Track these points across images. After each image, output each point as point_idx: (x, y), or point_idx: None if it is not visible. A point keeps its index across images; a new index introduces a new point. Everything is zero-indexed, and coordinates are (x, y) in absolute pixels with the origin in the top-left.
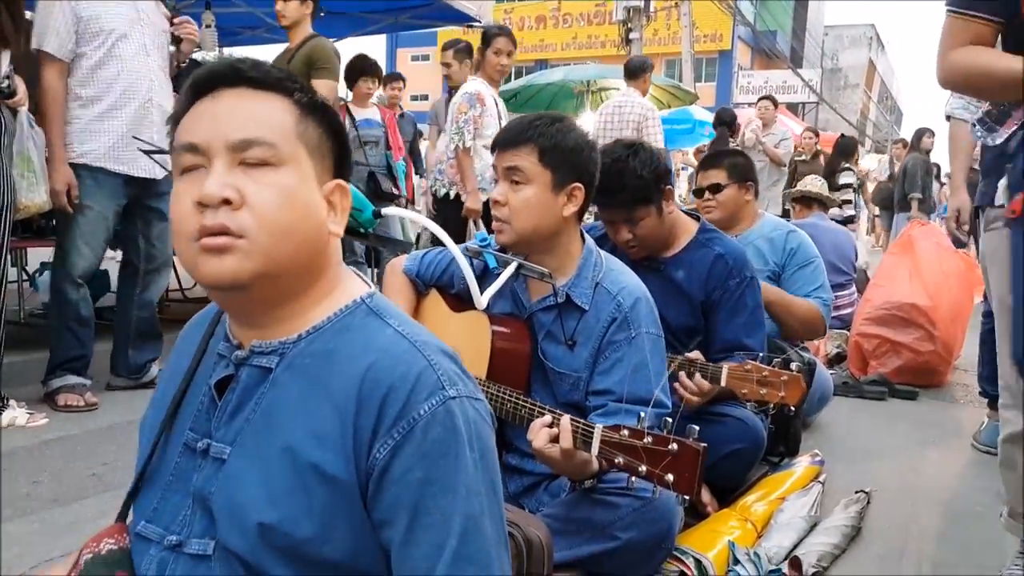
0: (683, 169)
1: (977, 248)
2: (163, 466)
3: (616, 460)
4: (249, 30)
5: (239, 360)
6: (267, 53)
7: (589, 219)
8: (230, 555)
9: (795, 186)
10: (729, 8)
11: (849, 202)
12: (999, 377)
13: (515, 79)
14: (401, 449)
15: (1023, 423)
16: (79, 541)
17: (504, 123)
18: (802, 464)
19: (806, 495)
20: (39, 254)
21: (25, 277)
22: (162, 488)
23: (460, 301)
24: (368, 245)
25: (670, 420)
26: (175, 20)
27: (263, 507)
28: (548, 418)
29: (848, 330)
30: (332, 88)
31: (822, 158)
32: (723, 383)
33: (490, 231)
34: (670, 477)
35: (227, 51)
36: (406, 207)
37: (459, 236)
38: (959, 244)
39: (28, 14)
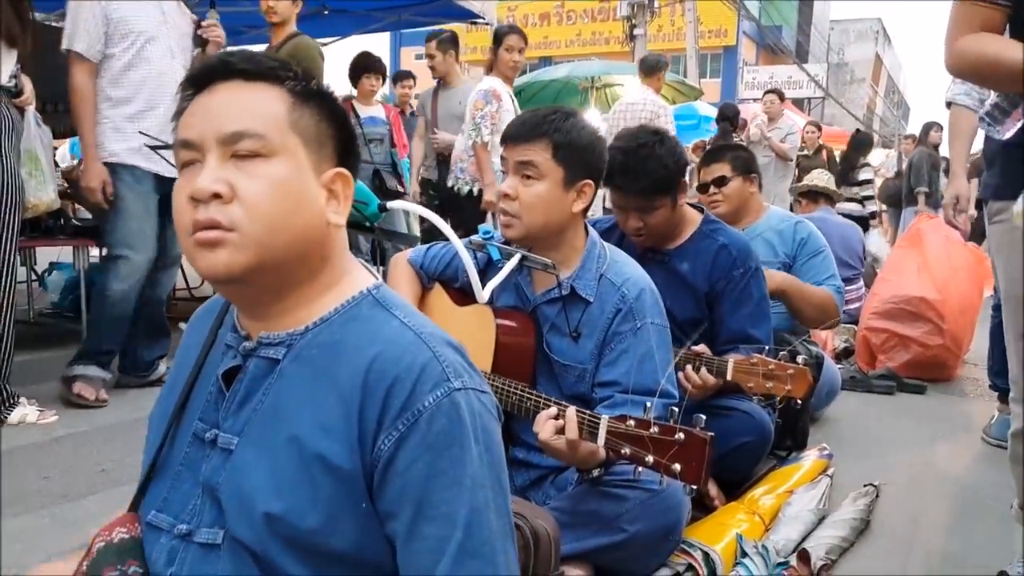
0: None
1: (967, 238)
2: (173, 456)
3: (623, 451)
4: (253, 29)
5: (247, 351)
6: None
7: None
8: (238, 545)
9: (800, 180)
10: (734, 3)
11: (871, 198)
12: (1009, 371)
13: (519, 76)
14: (406, 441)
15: None
16: (88, 536)
17: None
18: (810, 458)
19: (814, 488)
20: (48, 254)
21: (34, 277)
22: (172, 478)
23: (464, 295)
24: (374, 240)
25: (676, 410)
26: (203, 23)
27: (269, 497)
28: (553, 410)
29: (856, 324)
30: None
31: (824, 152)
32: (729, 377)
33: (471, 227)
34: (677, 467)
35: (232, 50)
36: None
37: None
38: (979, 237)
39: (41, 15)
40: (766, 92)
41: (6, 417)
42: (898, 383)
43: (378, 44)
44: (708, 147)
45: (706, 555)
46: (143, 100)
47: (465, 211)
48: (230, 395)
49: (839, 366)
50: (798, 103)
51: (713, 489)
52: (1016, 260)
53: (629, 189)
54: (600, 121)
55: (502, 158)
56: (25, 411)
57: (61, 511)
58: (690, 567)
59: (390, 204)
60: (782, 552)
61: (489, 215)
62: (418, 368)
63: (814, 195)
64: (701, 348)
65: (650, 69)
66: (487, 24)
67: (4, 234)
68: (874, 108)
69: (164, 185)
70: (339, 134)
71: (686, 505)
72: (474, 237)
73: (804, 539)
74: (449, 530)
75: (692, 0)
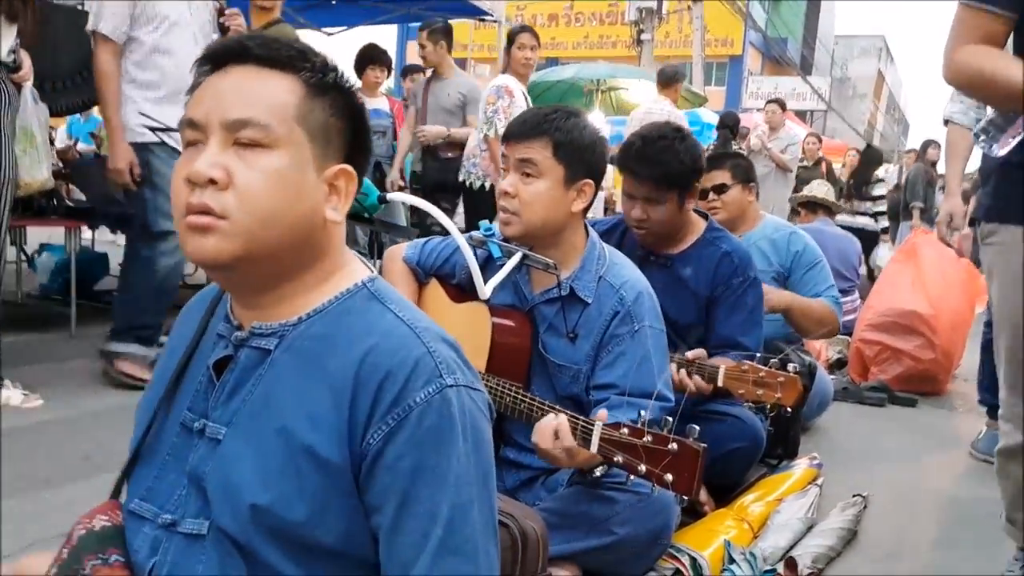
0: None
1: (962, 256)
2: (159, 445)
3: (615, 458)
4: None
5: (239, 341)
6: None
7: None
8: (223, 536)
9: (799, 191)
10: (740, 13)
11: (884, 213)
12: (1000, 391)
13: None
14: (395, 435)
15: (1022, 438)
16: (71, 522)
17: None
18: (800, 467)
19: (803, 497)
20: (38, 234)
21: (24, 258)
22: (158, 467)
23: (461, 291)
24: (373, 232)
25: (670, 419)
26: (226, 11)
27: (256, 488)
28: (552, 423)
29: (850, 336)
30: None
31: (824, 165)
32: (720, 383)
33: (482, 221)
34: (669, 477)
35: (252, 33)
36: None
37: None
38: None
39: None
40: (768, 102)
41: None
42: (889, 395)
43: (385, 36)
44: (708, 154)
45: (694, 560)
46: (169, 85)
47: (476, 205)
48: (220, 385)
49: (832, 377)
50: (801, 115)
51: (703, 495)
52: (1009, 282)
53: (641, 175)
54: (604, 123)
55: (503, 155)
56: (9, 394)
57: (44, 497)
58: (677, 572)
59: (390, 196)
60: (769, 559)
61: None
62: (411, 363)
63: (813, 206)
64: (695, 354)
65: (668, 80)
66: (495, 21)
67: None
68: (875, 124)
69: None
70: (351, 129)
71: (675, 509)
72: (474, 233)
73: (792, 547)
74: (430, 526)
75: (700, 8)
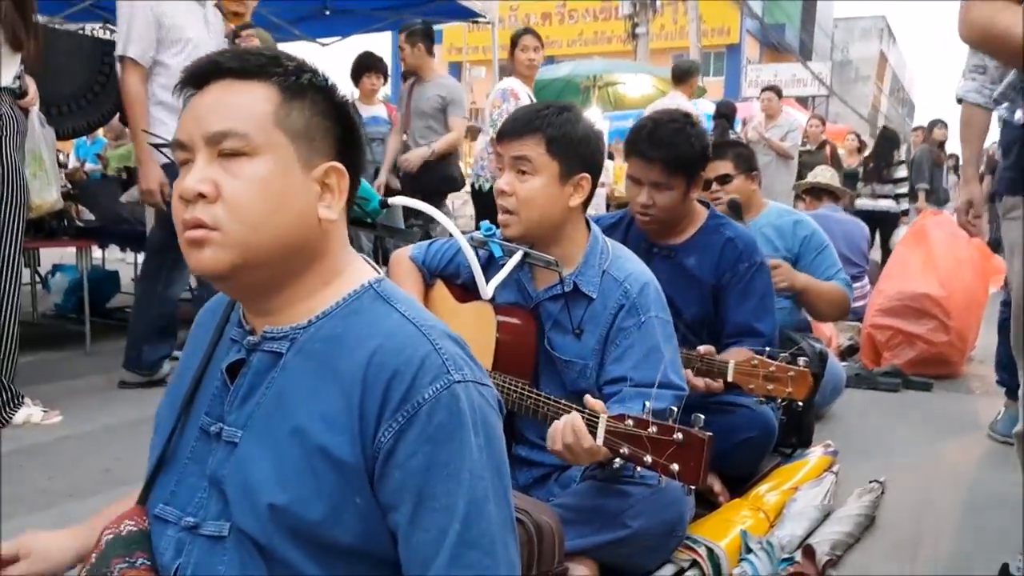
0: None
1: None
2: (180, 450)
3: (621, 450)
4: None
5: (251, 345)
6: None
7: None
8: (244, 537)
9: (803, 176)
10: (737, 1)
11: (905, 195)
12: (1019, 374)
13: None
14: (405, 433)
15: None
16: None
17: None
18: (815, 454)
19: (819, 485)
20: (51, 255)
21: (38, 279)
22: (179, 471)
23: (466, 291)
24: (376, 236)
25: (675, 410)
26: (242, 34)
27: (274, 489)
28: (566, 421)
29: (861, 322)
30: None
31: (828, 148)
32: (730, 378)
33: (493, 222)
34: (675, 467)
35: (224, 49)
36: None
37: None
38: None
39: (45, 17)
40: (764, 89)
41: (11, 417)
42: (903, 380)
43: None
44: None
45: (710, 551)
46: None
47: (489, 208)
48: (234, 389)
49: (843, 363)
50: (802, 101)
51: (717, 485)
52: None
53: (652, 156)
54: (601, 119)
55: (498, 155)
56: (30, 411)
57: (67, 510)
58: (694, 563)
59: (391, 200)
60: (787, 548)
61: None
62: (418, 360)
63: (818, 192)
64: (705, 349)
65: (683, 75)
66: (488, 23)
67: (9, 234)
68: (879, 106)
69: None
70: (337, 127)
71: (689, 500)
72: (475, 233)
73: (809, 535)
74: (448, 522)
75: None
